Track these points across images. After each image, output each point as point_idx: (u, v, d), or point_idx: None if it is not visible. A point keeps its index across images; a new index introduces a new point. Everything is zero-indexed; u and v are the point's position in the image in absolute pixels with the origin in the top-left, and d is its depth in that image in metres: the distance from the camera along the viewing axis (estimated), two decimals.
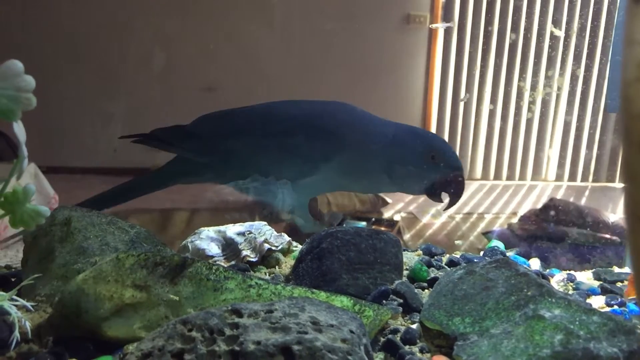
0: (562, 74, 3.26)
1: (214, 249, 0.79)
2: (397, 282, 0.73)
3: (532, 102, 3.29)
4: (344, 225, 2.55)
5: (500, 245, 0.88)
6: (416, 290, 0.73)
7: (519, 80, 3.26)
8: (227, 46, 3.18)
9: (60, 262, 0.71)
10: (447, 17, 3.20)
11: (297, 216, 1.42)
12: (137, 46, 3.22)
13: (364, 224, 2.59)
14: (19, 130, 0.54)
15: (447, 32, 3.23)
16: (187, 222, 2.68)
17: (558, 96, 3.30)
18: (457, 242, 2.60)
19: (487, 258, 0.83)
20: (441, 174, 1.21)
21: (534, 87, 3.29)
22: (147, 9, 3.15)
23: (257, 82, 3.19)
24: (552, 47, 3.27)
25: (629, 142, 0.36)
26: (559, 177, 3.41)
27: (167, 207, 2.85)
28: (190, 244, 0.80)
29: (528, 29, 3.20)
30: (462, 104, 3.31)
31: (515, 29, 3.21)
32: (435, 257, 0.85)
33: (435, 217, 2.83)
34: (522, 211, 2.74)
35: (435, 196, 1.27)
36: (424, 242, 2.55)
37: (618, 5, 3.04)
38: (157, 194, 3.15)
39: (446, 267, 0.81)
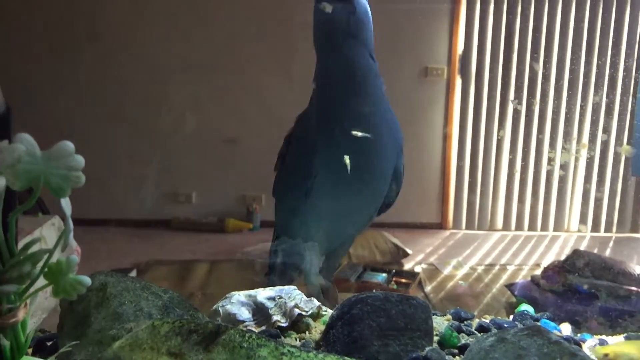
0: (581, 132, 3.27)
1: (244, 314, 0.79)
2: (427, 348, 0.73)
3: (551, 158, 3.30)
4: (364, 276, 2.54)
5: (530, 309, 0.88)
6: (447, 357, 0.73)
7: (538, 133, 3.28)
8: (249, 100, 3.26)
9: (96, 328, 0.72)
10: (464, 69, 3.26)
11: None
12: (162, 100, 3.31)
13: (384, 275, 2.57)
14: (66, 205, 0.56)
15: (465, 83, 3.29)
16: (207, 273, 2.69)
17: (577, 151, 3.31)
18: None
19: (517, 323, 0.82)
20: None
21: (553, 143, 3.30)
22: (173, 68, 3.26)
23: (277, 133, 3.24)
24: (571, 103, 3.29)
25: None
26: (583, 228, 3.38)
27: (188, 258, 2.87)
28: (221, 308, 0.81)
29: (547, 75, 3.24)
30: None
31: (532, 83, 3.26)
32: (465, 322, 0.85)
33: (457, 268, 2.80)
34: (545, 263, 2.71)
35: None
36: (445, 294, 2.53)
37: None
38: (178, 245, 3.18)
39: (476, 332, 0.81)
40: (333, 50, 1.36)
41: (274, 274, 1.37)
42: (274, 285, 0.85)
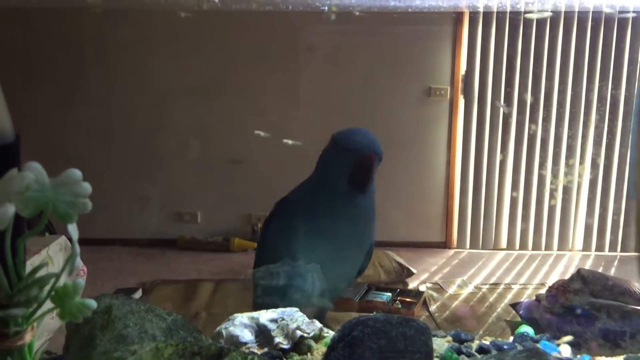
0: (584, 152, 3.29)
1: (247, 336, 0.81)
2: None
3: (553, 181, 3.31)
4: (368, 296, 2.54)
5: (530, 330, 0.88)
6: None
7: (541, 152, 3.30)
8: (254, 120, 3.29)
9: (101, 350, 0.74)
10: (467, 89, 3.29)
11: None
12: (167, 121, 3.35)
13: (389, 294, 2.57)
14: (73, 230, 0.58)
15: (467, 104, 3.31)
16: (212, 293, 2.69)
17: (580, 176, 3.32)
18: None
19: (517, 345, 0.83)
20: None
21: (556, 163, 3.31)
22: (178, 89, 3.31)
23: (282, 153, 3.27)
24: (573, 123, 3.31)
25: None
26: (587, 247, 3.37)
27: (193, 277, 2.87)
28: (224, 330, 0.82)
29: (548, 97, 3.26)
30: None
31: (535, 101, 3.27)
32: (465, 344, 0.85)
33: (462, 287, 2.80)
34: (550, 282, 2.70)
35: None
36: (450, 313, 2.53)
37: (636, 92, 3.12)
38: (183, 264, 3.19)
39: (476, 354, 0.82)
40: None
41: (261, 297, 1.39)
42: (260, 309, 0.87)
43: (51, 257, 2.34)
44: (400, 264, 2.91)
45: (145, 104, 3.32)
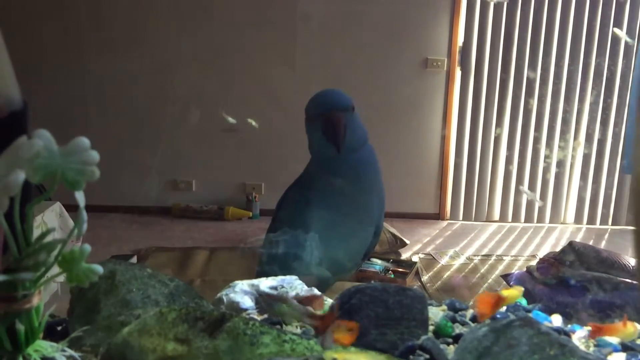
0: (579, 125, 3.29)
1: (247, 302, 0.82)
2: (423, 337, 0.76)
3: (548, 155, 3.33)
4: (362, 265, 2.57)
5: (522, 300, 0.91)
6: (442, 346, 0.76)
7: (536, 124, 3.30)
8: (251, 89, 3.28)
9: (105, 314, 0.75)
10: (464, 61, 3.27)
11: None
12: (164, 89, 3.33)
13: (382, 264, 2.61)
14: (80, 197, 0.59)
15: (464, 75, 3.30)
16: (207, 261, 2.72)
17: (574, 149, 3.33)
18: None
19: (509, 314, 0.86)
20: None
21: (551, 137, 3.32)
22: (176, 58, 3.28)
23: (278, 122, 3.27)
24: (571, 82, 3.30)
25: None
26: (578, 220, 3.41)
27: (188, 245, 2.90)
28: (225, 296, 0.84)
29: (545, 72, 3.26)
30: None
31: (532, 74, 3.27)
32: (460, 313, 0.88)
33: (454, 258, 2.84)
34: (541, 254, 2.75)
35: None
36: (442, 283, 2.57)
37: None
38: (178, 232, 3.20)
39: (470, 322, 0.84)
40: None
41: (264, 265, 1.41)
42: (262, 277, 0.89)
43: (46, 223, 2.35)
44: (393, 235, 2.94)
45: (143, 72, 3.29)
